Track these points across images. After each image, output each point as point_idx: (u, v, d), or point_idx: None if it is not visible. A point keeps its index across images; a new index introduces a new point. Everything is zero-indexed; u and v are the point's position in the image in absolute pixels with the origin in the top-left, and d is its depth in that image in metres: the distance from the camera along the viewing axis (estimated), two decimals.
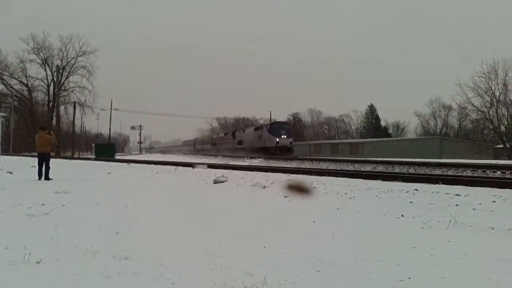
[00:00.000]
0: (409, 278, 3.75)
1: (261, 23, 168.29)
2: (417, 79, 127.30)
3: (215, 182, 13.73)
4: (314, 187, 10.84)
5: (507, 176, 13.89)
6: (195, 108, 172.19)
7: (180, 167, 21.92)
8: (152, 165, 24.95)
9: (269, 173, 15.27)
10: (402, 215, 6.96)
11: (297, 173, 14.87)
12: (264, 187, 11.86)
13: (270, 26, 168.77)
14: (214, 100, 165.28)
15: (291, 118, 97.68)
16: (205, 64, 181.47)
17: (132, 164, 27.38)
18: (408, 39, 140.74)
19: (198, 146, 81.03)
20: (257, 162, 32.27)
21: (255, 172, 16.33)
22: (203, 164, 23.66)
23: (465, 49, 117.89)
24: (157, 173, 19.05)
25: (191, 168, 21.10)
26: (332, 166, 23.57)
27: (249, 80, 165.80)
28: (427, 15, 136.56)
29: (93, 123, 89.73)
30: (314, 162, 27.95)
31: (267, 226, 6.37)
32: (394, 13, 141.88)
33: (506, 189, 8.69)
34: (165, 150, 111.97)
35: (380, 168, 20.59)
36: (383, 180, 11.69)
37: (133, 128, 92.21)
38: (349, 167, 22.38)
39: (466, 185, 9.48)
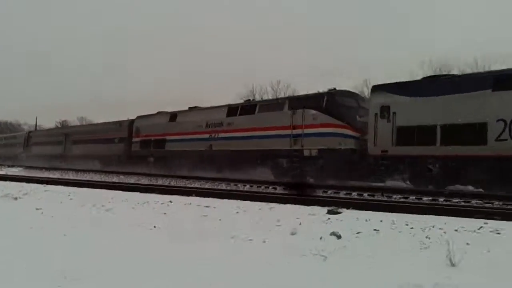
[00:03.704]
0: None
1: None
2: None
3: None
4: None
5: None
6: None
7: None
8: None
9: (22, 183, 14.25)
10: (155, 227, 7.25)
11: (56, 184, 14.15)
12: (16, 198, 11.04)
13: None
14: None
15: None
16: None
17: None
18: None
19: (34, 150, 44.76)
20: (16, 171, 29.28)
21: (7, 182, 15.08)
22: None
23: None
24: None
25: None
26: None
27: None
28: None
29: None
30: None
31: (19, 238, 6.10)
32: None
33: None
34: None
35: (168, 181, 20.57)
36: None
37: None
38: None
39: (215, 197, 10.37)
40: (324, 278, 4.33)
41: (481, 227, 7.06)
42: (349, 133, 18.24)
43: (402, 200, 12.04)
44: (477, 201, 11.44)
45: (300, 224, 7.32)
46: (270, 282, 4.17)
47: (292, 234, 6.59)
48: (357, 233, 6.64)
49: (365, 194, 13.46)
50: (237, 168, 21.57)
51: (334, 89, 20.57)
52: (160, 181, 19.85)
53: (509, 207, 10.38)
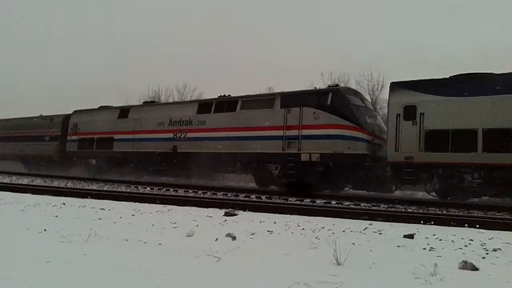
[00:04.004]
0: None
1: None
2: None
3: None
4: None
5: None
6: None
7: None
8: None
9: None
10: (45, 230, 6.96)
11: None
12: None
13: None
14: None
15: None
16: None
17: None
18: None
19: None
20: None
21: None
22: None
23: None
24: None
25: None
26: None
27: None
28: None
29: None
30: None
31: None
32: None
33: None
34: None
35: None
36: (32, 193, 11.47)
37: None
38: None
39: (112, 199, 10.20)
40: (216, 279, 4.41)
41: (366, 228, 7.60)
42: (360, 136, 15.70)
43: (297, 202, 12.54)
44: (365, 204, 12.24)
45: (197, 226, 7.39)
46: (161, 284, 4.18)
47: (188, 235, 6.63)
48: (252, 234, 6.84)
49: (263, 197, 13.85)
50: (209, 173, 19.22)
51: (337, 85, 17.90)
52: (55, 183, 18.96)
53: (390, 209, 11.24)
